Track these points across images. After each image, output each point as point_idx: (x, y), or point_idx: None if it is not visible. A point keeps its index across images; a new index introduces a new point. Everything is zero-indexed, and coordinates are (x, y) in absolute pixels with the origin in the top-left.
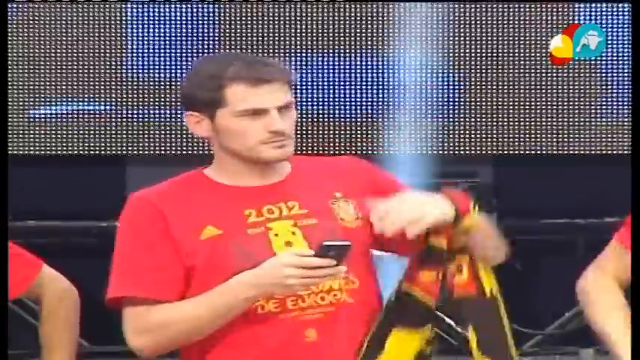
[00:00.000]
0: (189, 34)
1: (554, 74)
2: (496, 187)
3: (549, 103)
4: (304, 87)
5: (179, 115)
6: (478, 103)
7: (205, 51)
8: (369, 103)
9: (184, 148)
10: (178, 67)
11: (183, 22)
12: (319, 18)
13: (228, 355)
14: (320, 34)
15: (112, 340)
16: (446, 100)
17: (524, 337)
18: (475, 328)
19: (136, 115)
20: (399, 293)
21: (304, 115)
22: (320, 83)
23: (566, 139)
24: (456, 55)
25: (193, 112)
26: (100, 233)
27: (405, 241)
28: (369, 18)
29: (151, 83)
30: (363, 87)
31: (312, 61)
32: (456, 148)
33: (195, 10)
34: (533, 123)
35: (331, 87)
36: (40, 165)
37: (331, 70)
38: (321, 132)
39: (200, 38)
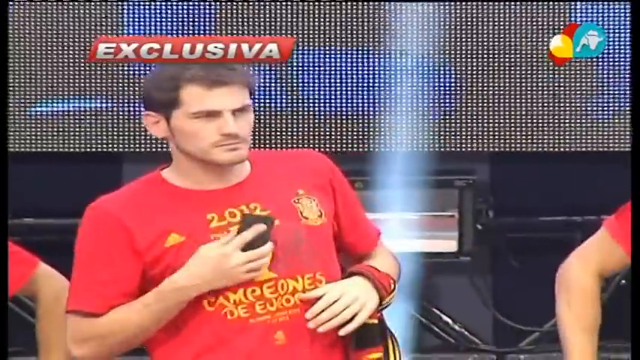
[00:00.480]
0: (188, 32)
1: (553, 73)
2: (493, 185)
3: (547, 101)
4: (304, 85)
5: None
6: (475, 101)
7: None
8: (366, 100)
9: None
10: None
11: (181, 20)
12: (316, 16)
13: None
14: (317, 33)
15: None
16: (443, 97)
17: (522, 334)
18: None
19: (132, 113)
20: None
21: (305, 114)
22: (318, 81)
23: (563, 137)
24: (454, 53)
25: (151, 112)
26: None
27: (361, 244)
28: (367, 16)
29: None
30: (360, 84)
31: (310, 59)
32: (453, 146)
33: (193, 7)
34: (530, 121)
35: (328, 84)
36: (36, 162)
37: (328, 68)
38: (318, 129)
39: (200, 34)
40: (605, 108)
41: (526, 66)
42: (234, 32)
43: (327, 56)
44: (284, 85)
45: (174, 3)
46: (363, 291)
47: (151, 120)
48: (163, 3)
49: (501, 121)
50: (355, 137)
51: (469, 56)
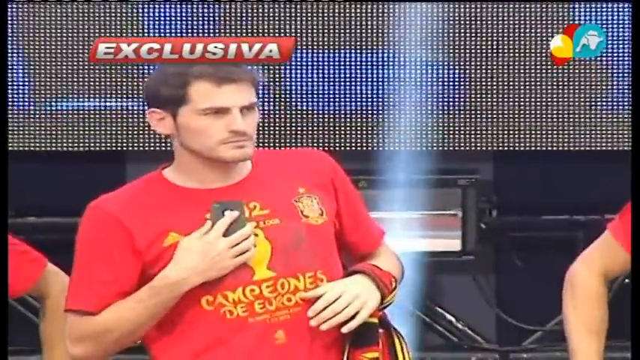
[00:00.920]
0: (190, 31)
1: (555, 73)
2: (496, 184)
3: (550, 101)
4: (307, 84)
5: None
6: (479, 100)
7: None
8: (370, 100)
9: None
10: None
11: (182, 20)
12: (320, 16)
13: None
14: (322, 32)
15: None
16: (446, 97)
17: (525, 333)
18: None
19: (135, 111)
20: None
21: (307, 112)
22: (322, 80)
23: (566, 136)
24: (457, 53)
25: (156, 110)
26: None
27: (363, 243)
28: (371, 16)
29: None
30: (364, 83)
31: (314, 58)
32: (457, 145)
33: (193, 8)
34: (533, 120)
35: (332, 83)
36: (40, 161)
37: (332, 67)
38: (322, 128)
39: (202, 34)
40: (609, 108)
41: (529, 65)
42: (235, 33)
43: (331, 55)
44: (286, 84)
45: (175, 3)
46: (365, 289)
47: (156, 117)
48: (164, 3)
49: (504, 120)
50: (359, 136)
51: (472, 56)
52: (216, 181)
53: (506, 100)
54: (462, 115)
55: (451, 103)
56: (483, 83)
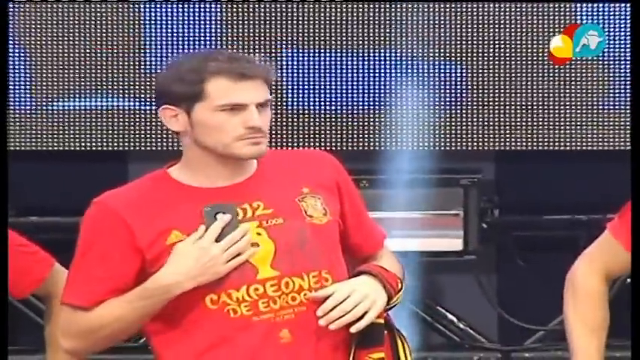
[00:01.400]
0: (194, 31)
1: (557, 73)
2: (498, 183)
3: (550, 101)
4: (309, 84)
5: None
6: (480, 100)
7: (208, 47)
8: (372, 99)
9: None
10: None
11: (182, 20)
12: (323, 16)
13: None
14: (324, 32)
15: None
16: (448, 96)
17: (527, 332)
18: None
19: (138, 111)
20: None
21: (309, 112)
22: (322, 79)
23: (567, 136)
24: (458, 52)
25: (169, 106)
26: None
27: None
28: (374, 16)
29: (153, 78)
30: (366, 83)
31: (316, 58)
32: (459, 144)
33: (198, 7)
34: (535, 119)
35: (333, 83)
36: (42, 161)
37: (333, 67)
38: (324, 127)
39: (204, 34)
40: (610, 107)
41: (531, 65)
42: (237, 33)
43: (331, 55)
44: (287, 83)
45: (175, 3)
46: (373, 289)
47: (169, 114)
48: (164, 3)
49: (506, 120)
50: (360, 136)
51: (473, 56)
52: (224, 179)
53: (507, 100)
54: (463, 115)
55: (453, 103)
56: (484, 83)
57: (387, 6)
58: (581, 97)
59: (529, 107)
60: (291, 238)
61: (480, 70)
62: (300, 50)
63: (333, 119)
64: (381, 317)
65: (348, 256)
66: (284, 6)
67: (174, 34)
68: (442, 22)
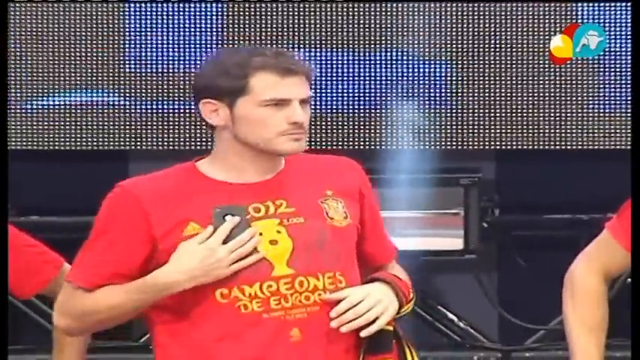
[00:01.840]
0: (192, 30)
1: (557, 72)
2: (498, 183)
3: (551, 100)
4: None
5: (182, 110)
6: (480, 100)
7: (208, 46)
8: (372, 98)
9: (187, 144)
10: (181, 61)
11: (182, 20)
12: (320, 15)
13: (211, 355)
14: (322, 31)
15: (113, 335)
16: (448, 96)
17: (528, 332)
18: None
19: (138, 110)
20: None
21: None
22: (323, 79)
23: (567, 135)
24: (458, 52)
25: (210, 100)
26: None
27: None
28: (374, 15)
29: (154, 78)
30: (367, 82)
31: (316, 58)
32: (459, 144)
33: (197, 6)
34: (535, 119)
35: (334, 83)
36: (42, 160)
37: (334, 66)
38: (324, 127)
39: (203, 34)
40: (610, 106)
41: (532, 65)
42: (236, 30)
43: (332, 54)
44: None
45: (175, 3)
46: (386, 296)
47: (210, 108)
48: (164, 3)
49: (507, 119)
50: (361, 135)
51: (473, 55)
52: (253, 175)
53: (508, 99)
54: (464, 115)
55: (453, 103)
56: (485, 82)
57: (388, 6)
58: (581, 97)
59: (529, 107)
60: (311, 237)
61: (481, 70)
62: (300, 50)
63: (334, 119)
64: (390, 325)
65: (360, 263)
66: (284, 6)
67: (175, 35)
68: (442, 22)
